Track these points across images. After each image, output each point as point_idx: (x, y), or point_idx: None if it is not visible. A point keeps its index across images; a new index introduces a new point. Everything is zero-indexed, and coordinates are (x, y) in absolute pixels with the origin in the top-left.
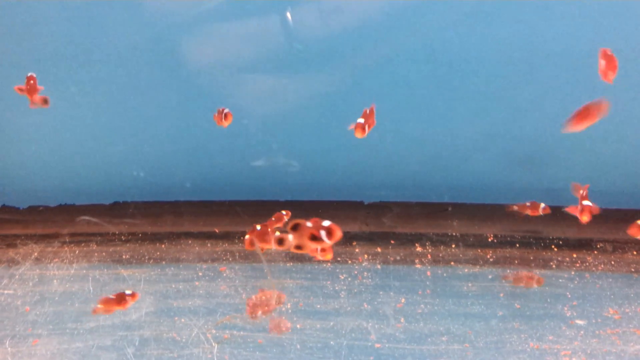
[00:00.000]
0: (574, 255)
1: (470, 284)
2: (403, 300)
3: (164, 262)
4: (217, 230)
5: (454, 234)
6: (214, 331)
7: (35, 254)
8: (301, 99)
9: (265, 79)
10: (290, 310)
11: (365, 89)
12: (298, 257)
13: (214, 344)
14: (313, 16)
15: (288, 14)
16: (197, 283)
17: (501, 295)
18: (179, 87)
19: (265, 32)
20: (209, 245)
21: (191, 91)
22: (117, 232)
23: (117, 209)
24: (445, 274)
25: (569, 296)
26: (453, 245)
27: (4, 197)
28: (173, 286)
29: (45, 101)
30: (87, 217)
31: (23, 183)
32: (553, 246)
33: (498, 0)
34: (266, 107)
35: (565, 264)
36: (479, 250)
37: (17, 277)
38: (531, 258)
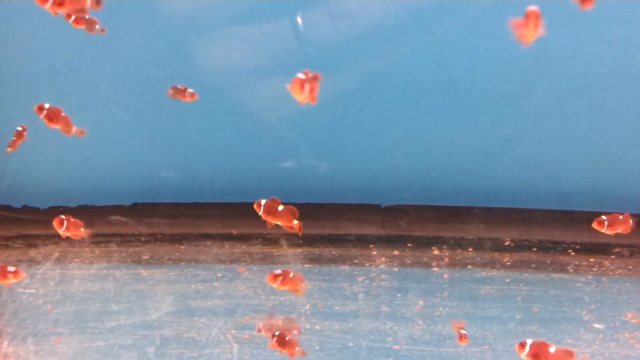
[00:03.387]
0: (591, 260)
1: (487, 287)
2: (421, 302)
3: (183, 263)
4: (234, 232)
5: (470, 237)
6: (233, 331)
7: (56, 254)
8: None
9: (277, 83)
10: (309, 312)
11: (377, 93)
12: (316, 259)
13: (234, 344)
14: (323, 21)
15: (299, 19)
16: (216, 284)
17: (519, 298)
18: (196, 89)
19: (276, 37)
20: (227, 246)
21: (208, 94)
22: (136, 233)
23: (136, 210)
24: (462, 277)
25: (587, 300)
26: (470, 249)
27: (25, 197)
28: (192, 287)
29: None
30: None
31: (44, 184)
32: (570, 250)
33: (509, 4)
34: (279, 111)
35: (582, 268)
36: (496, 254)
37: (38, 276)
38: (548, 262)
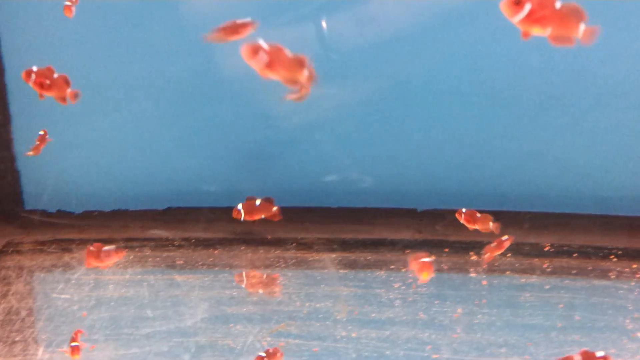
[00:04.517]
0: (634, 266)
1: (527, 294)
2: (459, 310)
3: (217, 268)
4: (269, 237)
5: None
6: (269, 339)
7: None
8: (345, 107)
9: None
10: (345, 319)
11: (411, 98)
12: (351, 264)
13: None
14: (349, 26)
15: (323, 23)
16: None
17: (560, 306)
18: (223, 94)
19: (300, 42)
20: (261, 251)
21: (236, 98)
22: (170, 238)
23: (170, 215)
24: (501, 284)
25: (631, 308)
26: (509, 255)
27: (59, 201)
28: (227, 292)
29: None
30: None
31: (78, 188)
32: (612, 256)
33: None
34: (307, 116)
35: (625, 274)
36: (536, 260)
37: (73, 281)
38: (589, 268)
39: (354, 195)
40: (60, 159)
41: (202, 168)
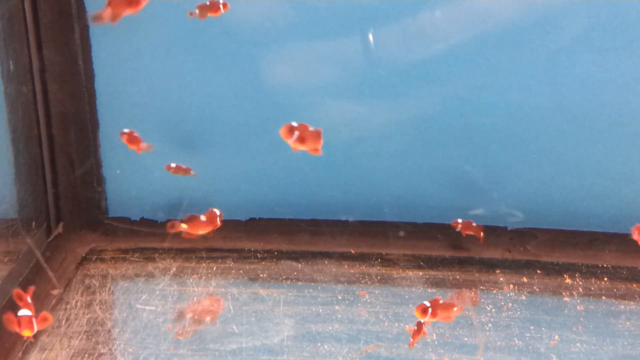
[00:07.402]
0: None
1: (627, 322)
2: (556, 337)
3: (300, 283)
4: (352, 251)
5: (605, 265)
6: None
7: (174, 269)
8: (391, 124)
9: (346, 104)
10: (436, 342)
11: (464, 115)
12: (439, 283)
13: None
14: (397, 40)
15: (370, 37)
16: (336, 307)
17: None
18: (305, 103)
19: (346, 56)
20: (345, 266)
21: (315, 107)
22: (252, 249)
23: (252, 225)
24: (598, 309)
25: None
26: (605, 278)
27: (143, 209)
28: (312, 309)
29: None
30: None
31: (162, 196)
32: None
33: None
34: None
35: None
36: (634, 285)
37: (157, 292)
38: None
39: (439, 211)
40: (146, 167)
41: (285, 179)
